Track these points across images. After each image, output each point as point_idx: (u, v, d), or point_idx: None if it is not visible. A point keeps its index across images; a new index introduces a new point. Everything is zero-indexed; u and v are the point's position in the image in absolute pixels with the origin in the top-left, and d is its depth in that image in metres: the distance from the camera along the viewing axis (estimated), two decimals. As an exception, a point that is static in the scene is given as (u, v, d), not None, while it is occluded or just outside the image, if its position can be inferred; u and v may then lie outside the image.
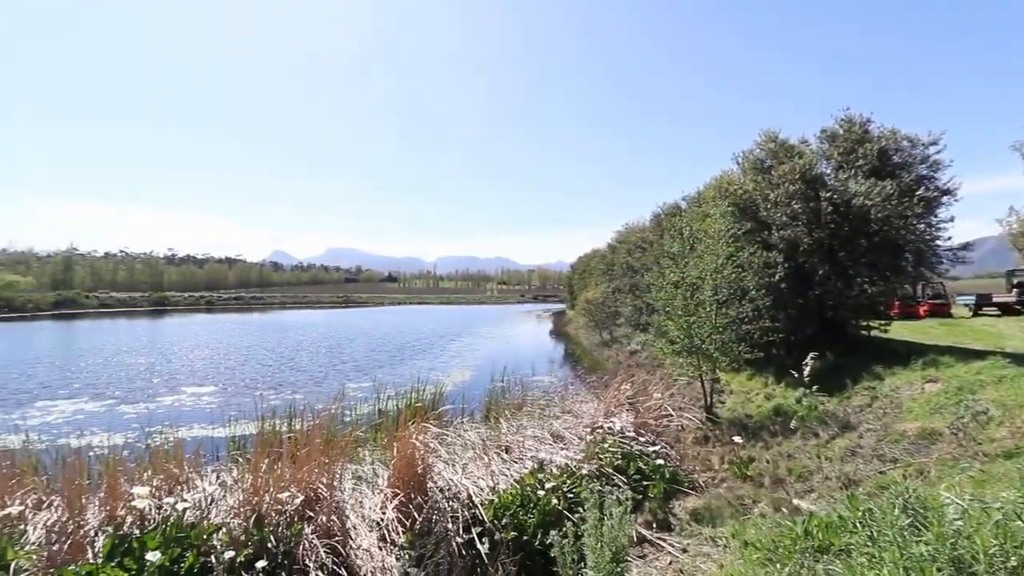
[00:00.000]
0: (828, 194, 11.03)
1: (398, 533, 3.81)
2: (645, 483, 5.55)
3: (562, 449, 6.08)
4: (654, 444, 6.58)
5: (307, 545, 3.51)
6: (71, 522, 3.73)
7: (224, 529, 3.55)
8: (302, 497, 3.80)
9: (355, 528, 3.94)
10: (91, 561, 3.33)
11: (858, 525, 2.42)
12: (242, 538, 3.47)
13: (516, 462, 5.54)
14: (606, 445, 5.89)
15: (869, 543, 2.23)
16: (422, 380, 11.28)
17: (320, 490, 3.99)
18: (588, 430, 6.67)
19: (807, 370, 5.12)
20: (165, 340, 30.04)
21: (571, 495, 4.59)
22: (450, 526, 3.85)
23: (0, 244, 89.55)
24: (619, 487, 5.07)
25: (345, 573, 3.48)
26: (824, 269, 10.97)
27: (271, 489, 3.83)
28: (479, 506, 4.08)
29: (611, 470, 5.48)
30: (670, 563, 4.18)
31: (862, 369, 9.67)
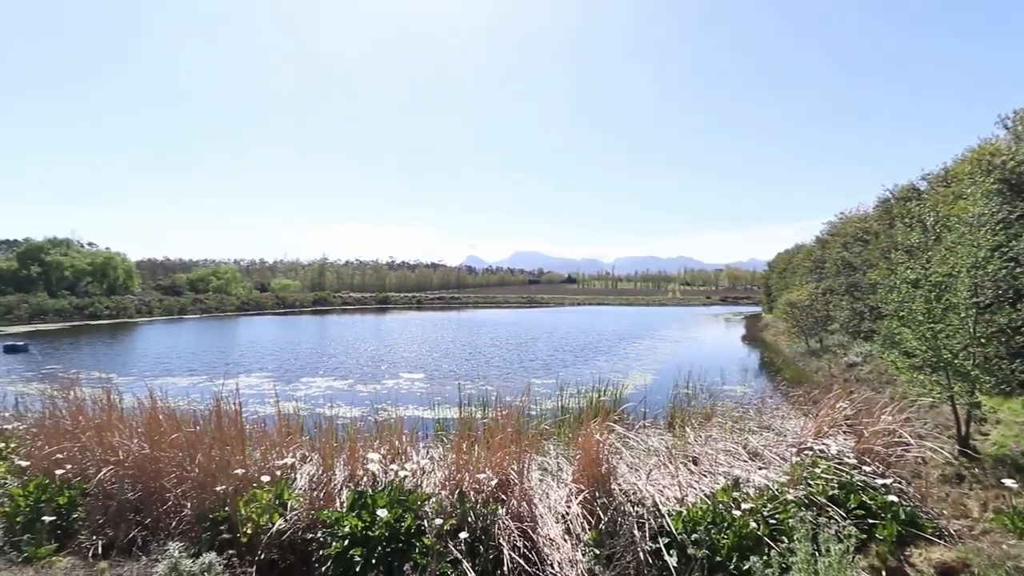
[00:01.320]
0: None
1: (583, 529, 3.89)
2: (871, 521, 4.67)
3: (760, 468, 5.48)
4: (883, 476, 5.48)
5: (501, 525, 3.81)
6: (325, 475, 4.68)
7: (434, 499, 4.07)
8: (496, 480, 4.14)
9: (542, 517, 4.14)
10: (338, 509, 4.14)
11: None
12: (448, 509, 3.94)
13: (705, 476, 5.17)
14: (818, 470, 5.11)
15: None
16: (602, 380, 11.29)
17: (511, 476, 4.30)
18: (793, 450, 5.88)
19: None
20: (387, 333, 35.58)
21: (773, 521, 4.11)
22: (636, 532, 3.78)
23: (278, 256, 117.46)
24: (835, 520, 4.37)
25: (535, 558, 3.69)
26: None
27: (471, 469, 4.27)
28: (666, 516, 3.92)
29: (824, 500, 4.74)
30: (907, 622, 3.45)
31: None
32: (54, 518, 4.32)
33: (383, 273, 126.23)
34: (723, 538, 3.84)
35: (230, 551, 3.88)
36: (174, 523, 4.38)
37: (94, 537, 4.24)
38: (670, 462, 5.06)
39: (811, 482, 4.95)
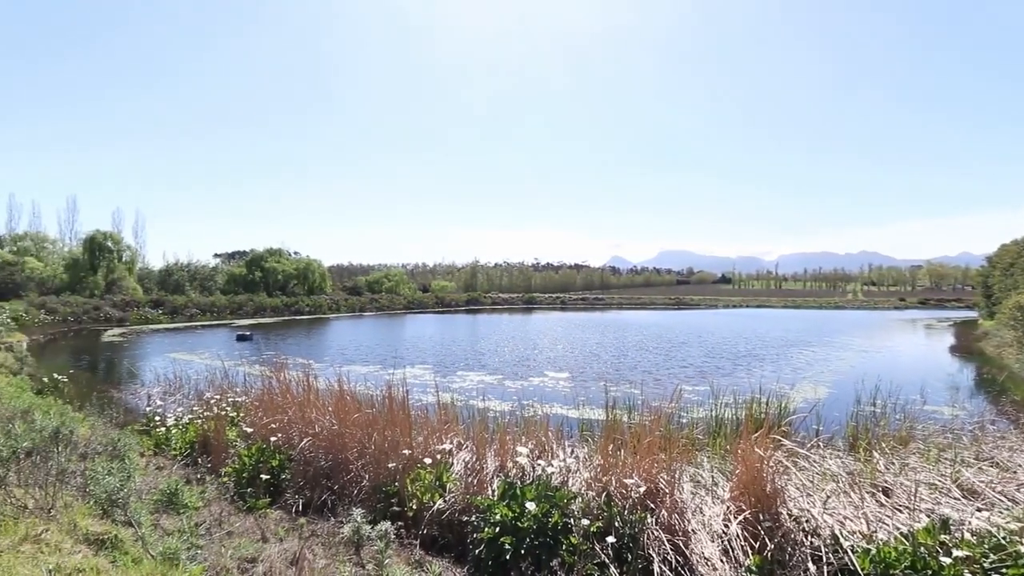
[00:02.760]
0: None
1: (745, 553, 3.56)
2: None
3: (979, 510, 4.45)
4: None
5: (650, 535, 3.67)
6: (478, 463, 4.98)
7: (580, 499, 4.08)
8: (644, 487, 3.99)
9: (695, 533, 3.88)
10: (490, 496, 4.37)
11: None
12: (595, 511, 3.91)
13: (900, 510, 4.36)
14: (1068, 520, 3.99)
15: None
16: (764, 390, 10.21)
17: (660, 485, 4.11)
18: (1030, 492, 4.67)
19: None
20: (533, 333, 36.69)
21: (999, 576, 3.30)
22: (811, 565, 3.33)
23: (436, 260, 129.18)
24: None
25: (687, 575, 3.48)
26: None
27: (617, 472, 4.18)
28: (849, 552, 3.39)
29: (1080, 560, 3.67)
30: None
31: None
32: (268, 477, 5.29)
33: (528, 274, 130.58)
34: (927, 588, 3.20)
35: (399, 523, 4.35)
36: (355, 491, 5.05)
37: (296, 496, 5.09)
38: (853, 490, 4.37)
39: (1059, 535, 3.88)
